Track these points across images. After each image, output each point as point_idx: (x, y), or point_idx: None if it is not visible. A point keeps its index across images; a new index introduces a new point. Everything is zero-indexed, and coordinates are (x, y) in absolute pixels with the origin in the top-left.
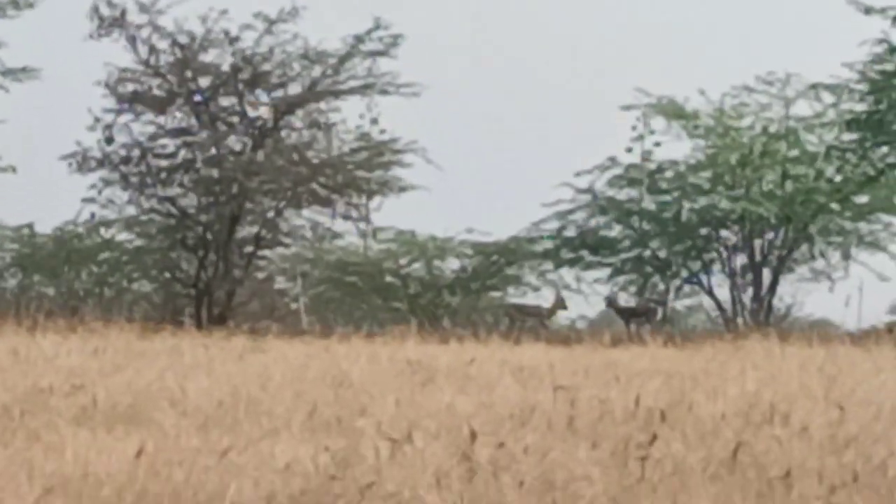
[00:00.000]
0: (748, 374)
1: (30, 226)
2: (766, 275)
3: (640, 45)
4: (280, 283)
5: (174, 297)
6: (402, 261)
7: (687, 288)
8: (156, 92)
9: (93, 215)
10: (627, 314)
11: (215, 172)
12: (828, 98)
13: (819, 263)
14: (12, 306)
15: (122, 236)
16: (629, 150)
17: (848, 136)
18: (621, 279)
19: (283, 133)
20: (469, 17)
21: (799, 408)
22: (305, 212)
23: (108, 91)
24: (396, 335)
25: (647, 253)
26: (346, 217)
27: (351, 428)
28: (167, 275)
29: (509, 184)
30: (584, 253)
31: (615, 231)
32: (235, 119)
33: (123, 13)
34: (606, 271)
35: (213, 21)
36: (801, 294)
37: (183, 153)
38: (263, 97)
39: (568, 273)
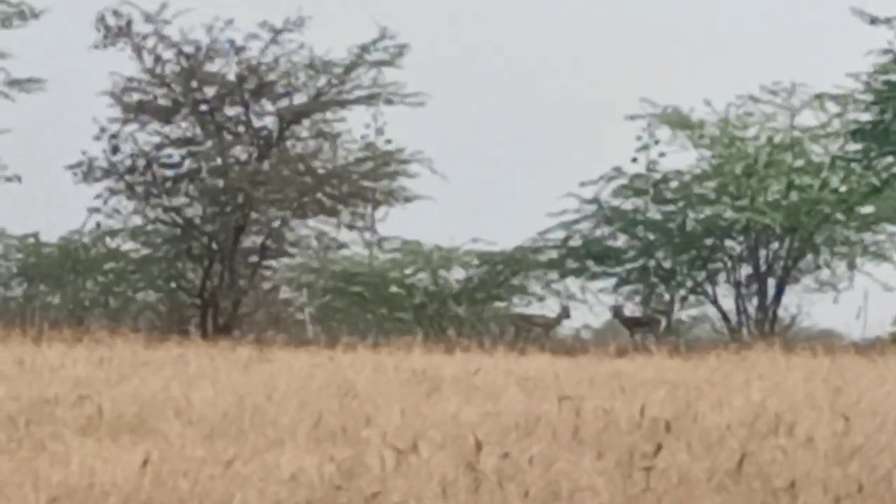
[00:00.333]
0: (753, 385)
1: (35, 235)
2: (771, 285)
3: (645, 56)
4: (285, 293)
5: (180, 307)
6: (408, 271)
7: (692, 298)
8: (161, 102)
9: (98, 225)
10: (632, 324)
11: (221, 182)
12: (833, 108)
13: (824, 274)
14: (18, 316)
15: (128, 246)
16: (634, 160)
17: (853, 147)
18: (626, 289)
19: (289, 143)
20: (474, 28)
21: (804, 418)
22: (311, 222)
23: (114, 101)
24: (402, 345)
25: (652, 263)
26: (352, 227)
27: (356, 438)
28: (173, 284)
29: (514, 194)
30: (590, 263)
31: (620, 241)
32: (241, 129)
33: (129, 23)
34: (611, 281)
35: (218, 31)
36: (806, 304)
37: (188, 163)
38: (269, 106)
39: (573, 283)
